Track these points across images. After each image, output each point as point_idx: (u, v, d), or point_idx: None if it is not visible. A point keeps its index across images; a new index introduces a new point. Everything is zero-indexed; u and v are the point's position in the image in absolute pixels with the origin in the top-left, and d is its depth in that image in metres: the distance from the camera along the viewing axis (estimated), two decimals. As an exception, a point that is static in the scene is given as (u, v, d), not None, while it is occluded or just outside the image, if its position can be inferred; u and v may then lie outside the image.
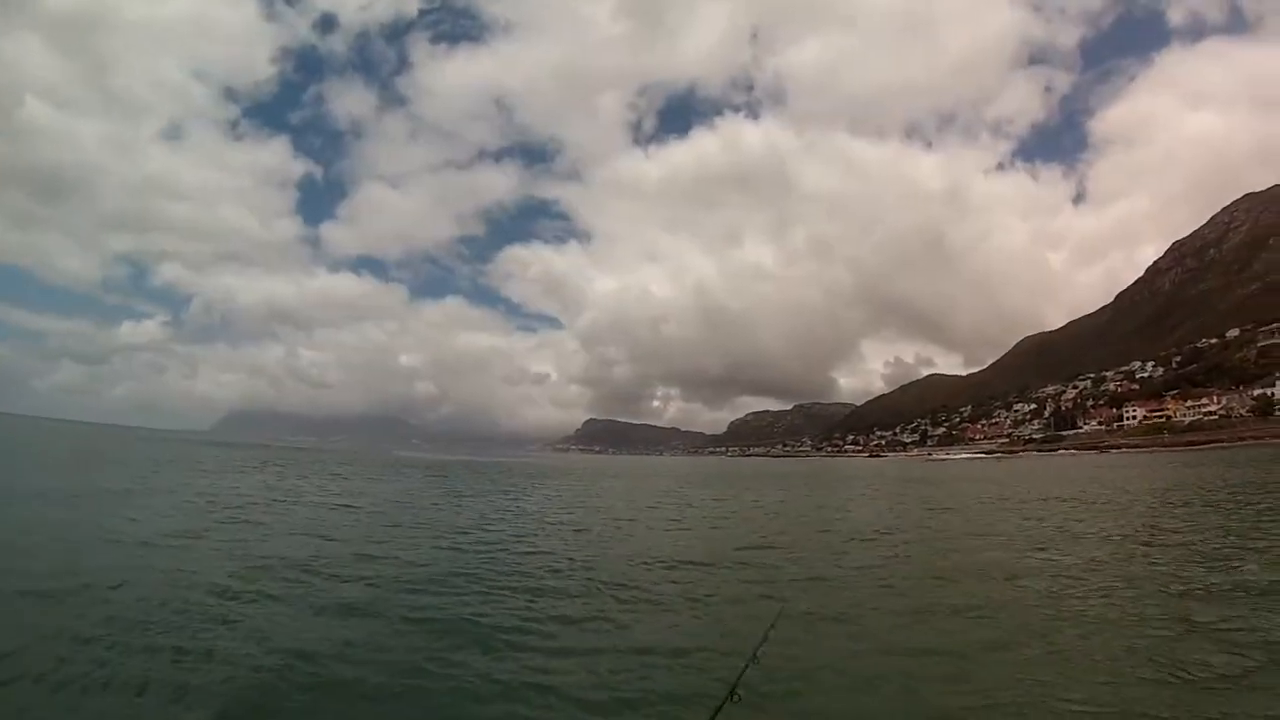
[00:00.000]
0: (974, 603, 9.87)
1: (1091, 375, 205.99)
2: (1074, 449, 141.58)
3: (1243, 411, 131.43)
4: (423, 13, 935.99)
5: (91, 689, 6.42)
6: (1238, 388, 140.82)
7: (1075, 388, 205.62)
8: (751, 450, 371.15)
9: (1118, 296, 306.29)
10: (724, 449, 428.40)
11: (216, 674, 6.90)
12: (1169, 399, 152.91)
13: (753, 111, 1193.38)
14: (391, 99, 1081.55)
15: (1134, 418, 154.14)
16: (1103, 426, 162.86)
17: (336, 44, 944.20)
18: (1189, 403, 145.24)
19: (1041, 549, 14.87)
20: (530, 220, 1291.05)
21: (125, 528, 15.66)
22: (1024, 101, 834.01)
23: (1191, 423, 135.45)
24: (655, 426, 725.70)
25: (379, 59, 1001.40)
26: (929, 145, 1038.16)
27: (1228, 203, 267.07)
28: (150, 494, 24.09)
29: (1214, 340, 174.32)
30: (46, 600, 9.20)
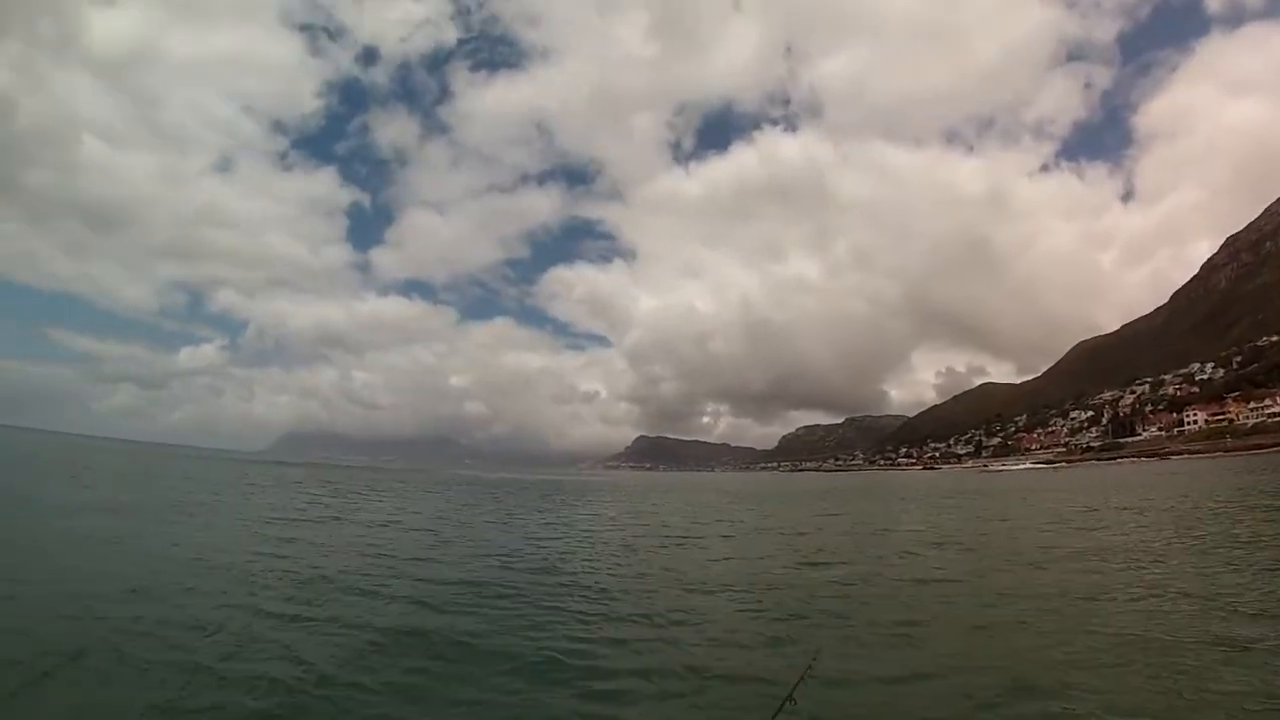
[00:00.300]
0: (1029, 619, 9.77)
1: (1149, 379, 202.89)
2: (1134, 457, 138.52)
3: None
4: (461, 42, 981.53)
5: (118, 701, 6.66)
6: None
7: (1133, 393, 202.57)
8: (803, 465, 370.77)
9: (1172, 296, 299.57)
10: (775, 464, 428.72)
11: (245, 690, 6.98)
12: (1231, 401, 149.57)
13: (790, 124, 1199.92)
14: (434, 127, 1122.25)
15: (1195, 422, 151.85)
16: (1163, 432, 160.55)
17: (379, 75, 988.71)
18: (1252, 404, 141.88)
19: (1104, 561, 14.54)
20: (574, 240, 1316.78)
21: (183, 540, 16.77)
22: (1064, 100, 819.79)
23: (1255, 425, 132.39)
24: (705, 443, 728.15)
25: (420, 88, 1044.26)
26: (969, 150, 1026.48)
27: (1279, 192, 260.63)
28: (216, 510, 25.64)
29: (1275, 338, 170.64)
30: (87, 606, 9.65)
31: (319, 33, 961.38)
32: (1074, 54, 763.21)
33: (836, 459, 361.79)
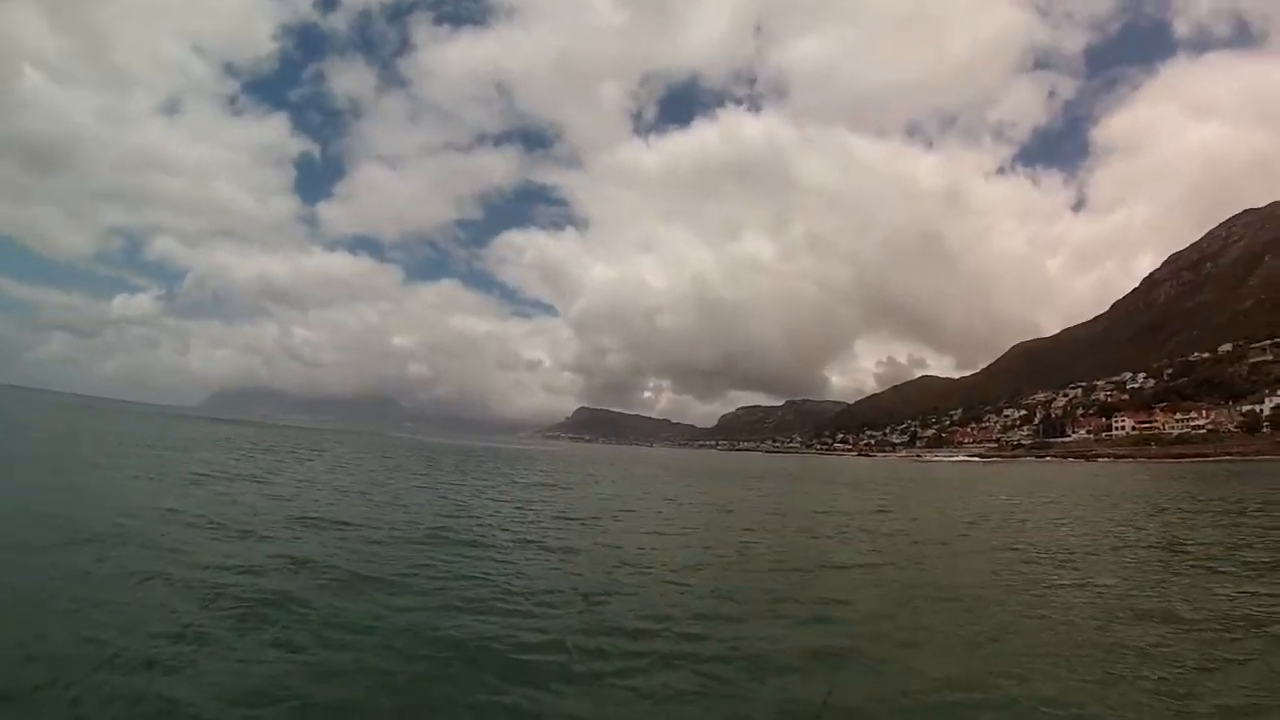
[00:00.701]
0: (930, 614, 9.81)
1: (1083, 384, 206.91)
2: (1062, 456, 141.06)
3: (1230, 427, 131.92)
4: None
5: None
6: (1227, 403, 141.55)
7: (1066, 396, 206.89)
8: (741, 444, 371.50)
9: (1113, 306, 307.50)
10: (714, 442, 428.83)
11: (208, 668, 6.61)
12: (1158, 411, 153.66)
13: (754, 105, 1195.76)
14: (392, 80, 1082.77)
15: (1123, 428, 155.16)
16: (1091, 435, 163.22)
17: (338, 22, 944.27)
18: (1177, 415, 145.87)
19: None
20: (528, 205, 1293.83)
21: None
22: (1027, 105, 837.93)
23: (1179, 435, 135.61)
24: (646, 417, 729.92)
25: (380, 39, 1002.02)
26: (930, 145, 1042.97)
27: (1226, 216, 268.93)
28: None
29: (1206, 354, 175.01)
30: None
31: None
32: (1041, 61, 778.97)
33: (774, 440, 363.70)
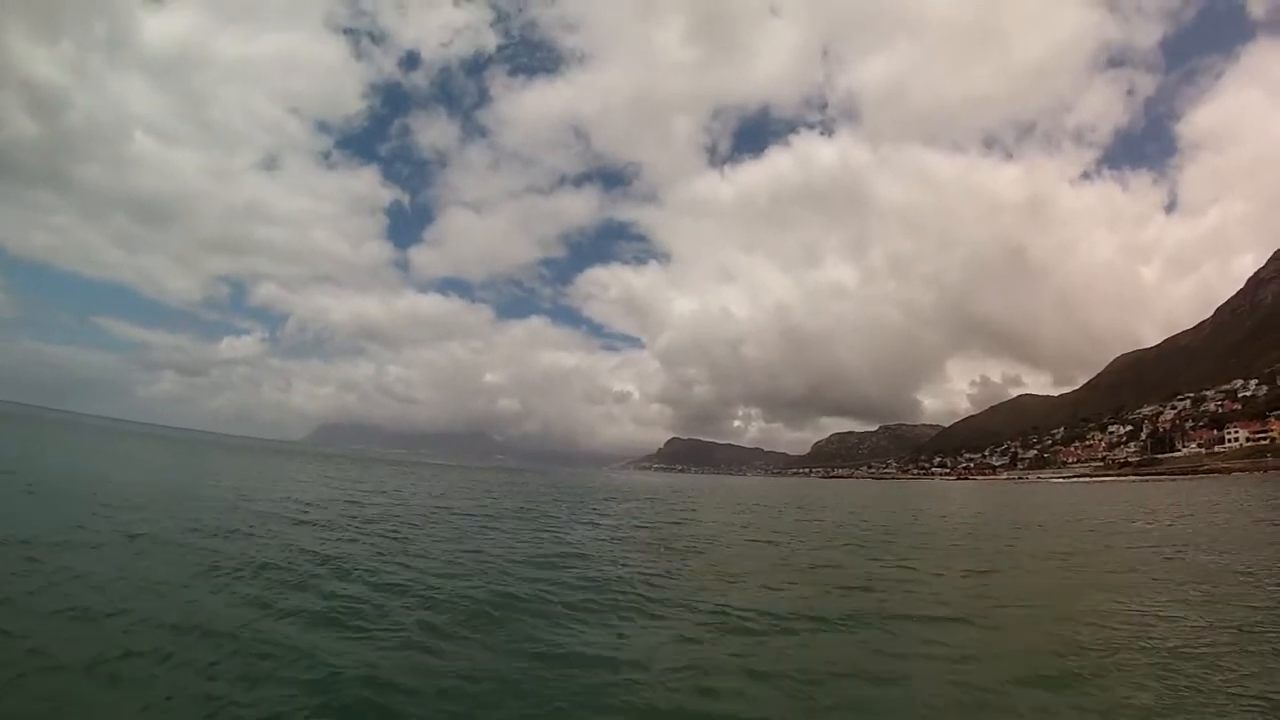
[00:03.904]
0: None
1: (1190, 395, 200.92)
2: (1172, 473, 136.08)
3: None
4: (500, 47, 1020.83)
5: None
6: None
7: (1173, 408, 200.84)
8: (836, 471, 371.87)
9: (1216, 310, 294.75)
10: (807, 470, 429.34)
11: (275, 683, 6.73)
12: (1273, 420, 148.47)
13: (827, 129, 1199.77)
14: (473, 129, 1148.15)
15: (1236, 439, 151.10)
16: (1202, 449, 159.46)
17: (420, 79, 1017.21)
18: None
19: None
20: (609, 242, 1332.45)
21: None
22: (1106, 106, 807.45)
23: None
24: (738, 446, 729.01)
25: (460, 92, 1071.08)
26: (1009, 156, 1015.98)
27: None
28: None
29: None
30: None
31: (362, 36, 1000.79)
32: (1115, 59, 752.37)
33: (869, 467, 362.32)
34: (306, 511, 20.64)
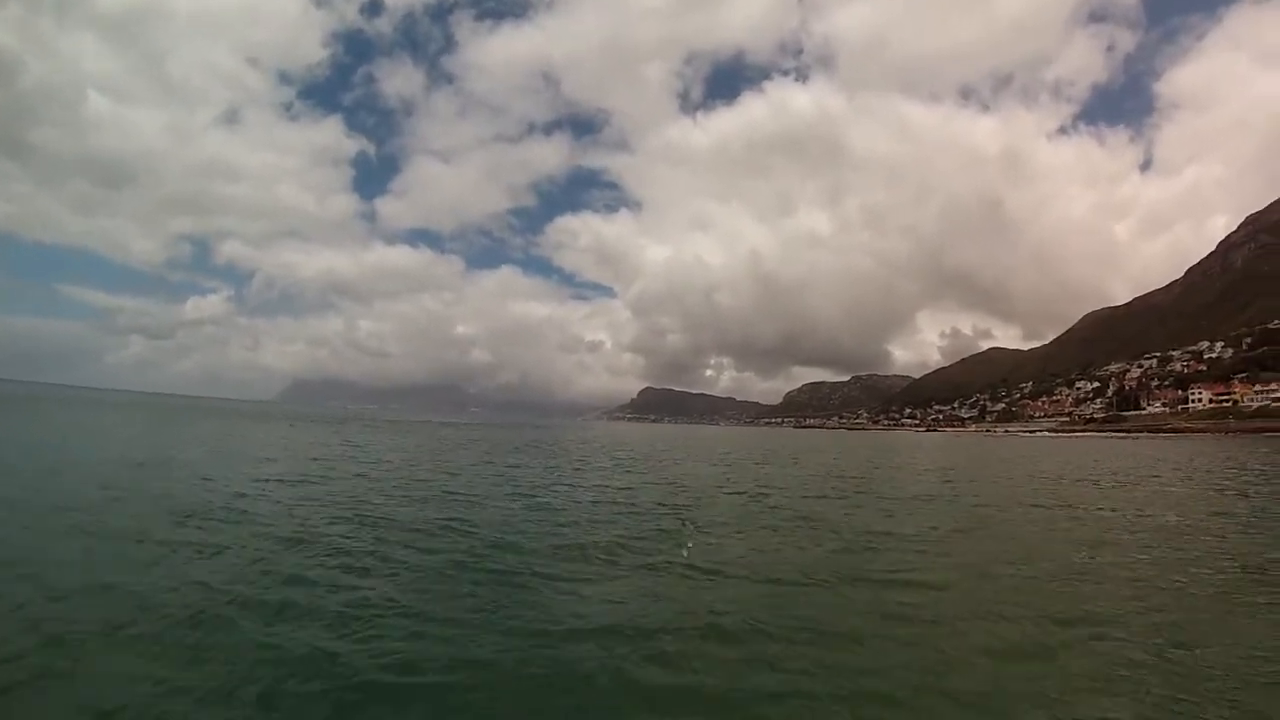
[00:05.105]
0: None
1: (1158, 354, 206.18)
2: (1136, 431, 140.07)
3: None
4: None
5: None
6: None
7: (1140, 366, 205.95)
8: (807, 422, 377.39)
9: (1188, 271, 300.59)
10: (779, 420, 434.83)
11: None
12: (1236, 382, 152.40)
13: (802, 75, 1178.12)
14: (439, 76, 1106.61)
15: (1200, 400, 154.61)
16: (1167, 409, 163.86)
17: (383, 25, 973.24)
18: (1258, 387, 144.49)
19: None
20: (580, 190, 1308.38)
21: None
22: (1085, 61, 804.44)
23: (1259, 408, 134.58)
24: (711, 396, 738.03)
25: (425, 38, 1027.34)
26: (985, 108, 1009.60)
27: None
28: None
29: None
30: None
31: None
32: (1097, 14, 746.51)
33: (841, 417, 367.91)
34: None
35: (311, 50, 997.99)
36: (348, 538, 10.89)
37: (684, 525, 13.57)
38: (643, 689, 5.81)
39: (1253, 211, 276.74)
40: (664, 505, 16.55)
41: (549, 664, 6.16)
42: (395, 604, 7.58)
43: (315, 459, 25.61)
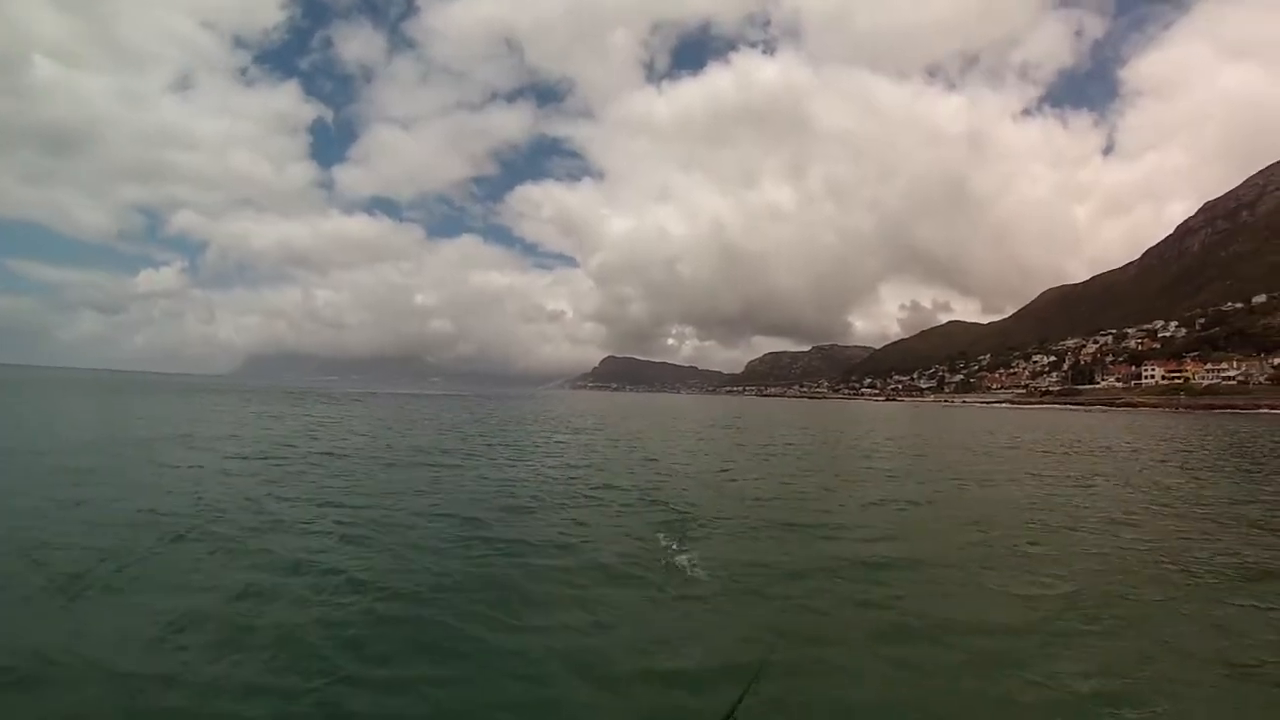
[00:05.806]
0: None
1: (1113, 331, 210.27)
2: (1090, 404, 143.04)
3: (1261, 379, 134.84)
4: None
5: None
6: (1259, 355, 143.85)
7: (1096, 342, 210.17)
8: (768, 390, 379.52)
9: (1145, 253, 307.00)
10: (740, 388, 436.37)
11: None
12: (1188, 360, 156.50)
13: (768, 47, 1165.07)
14: (400, 41, 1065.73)
15: (1152, 376, 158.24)
16: (1120, 383, 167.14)
17: None
18: (1208, 366, 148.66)
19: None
20: (543, 159, 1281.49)
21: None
22: (1053, 45, 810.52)
23: (1209, 386, 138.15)
24: (672, 365, 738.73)
25: (386, 2, 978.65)
26: (951, 87, 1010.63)
27: (1263, 163, 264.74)
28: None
29: (1239, 305, 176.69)
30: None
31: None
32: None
33: (802, 386, 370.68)
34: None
35: (268, 13, 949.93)
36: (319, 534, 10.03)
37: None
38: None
39: (1211, 198, 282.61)
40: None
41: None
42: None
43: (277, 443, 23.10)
